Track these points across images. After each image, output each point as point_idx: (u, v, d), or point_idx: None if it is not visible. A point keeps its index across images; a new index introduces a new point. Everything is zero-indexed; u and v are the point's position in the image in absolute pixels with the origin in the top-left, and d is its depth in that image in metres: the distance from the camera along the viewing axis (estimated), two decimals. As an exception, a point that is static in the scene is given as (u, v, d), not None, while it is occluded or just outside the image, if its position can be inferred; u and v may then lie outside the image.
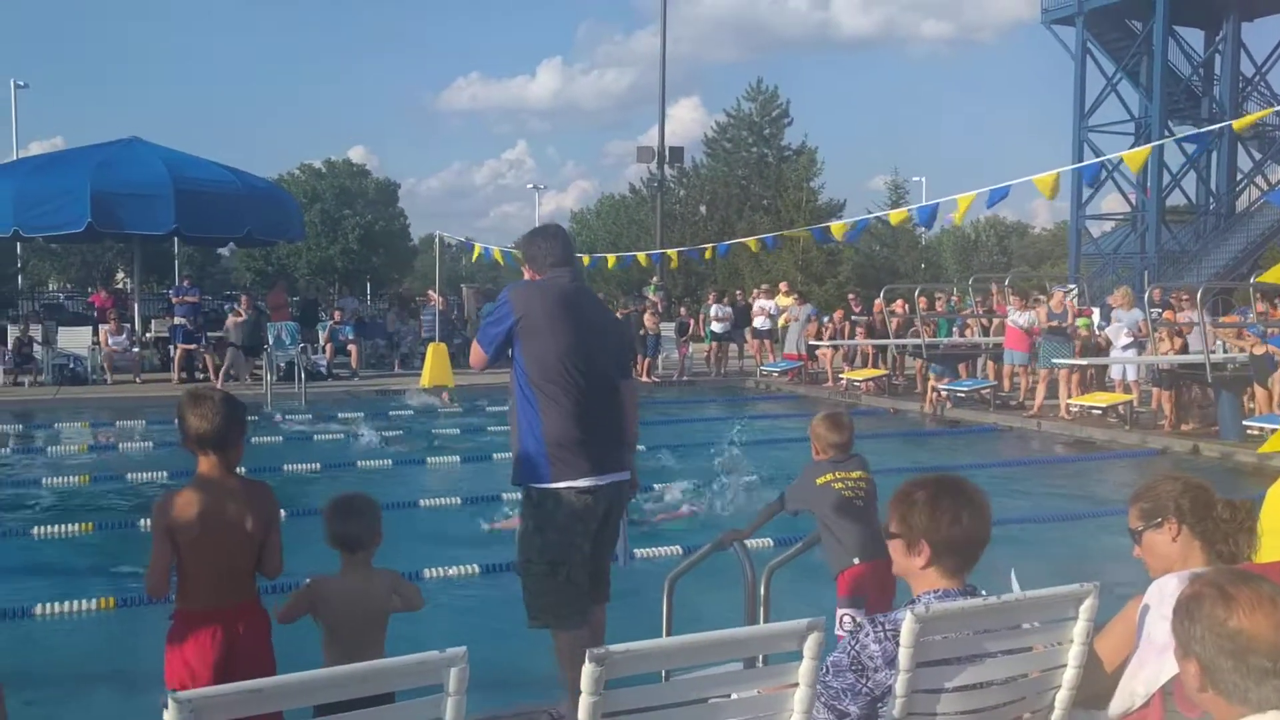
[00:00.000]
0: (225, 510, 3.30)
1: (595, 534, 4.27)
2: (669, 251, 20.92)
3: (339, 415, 15.06)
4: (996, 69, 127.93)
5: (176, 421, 3.37)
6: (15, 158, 41.78)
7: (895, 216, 16.55)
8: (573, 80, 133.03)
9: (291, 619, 3.52)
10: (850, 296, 18.87)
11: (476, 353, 4.38)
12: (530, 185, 70.87)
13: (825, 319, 19.93)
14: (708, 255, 20.26)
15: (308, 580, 3.68)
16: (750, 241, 17.43)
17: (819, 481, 4.56)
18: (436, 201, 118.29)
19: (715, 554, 4.94)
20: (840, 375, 17.80)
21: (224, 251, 49.47)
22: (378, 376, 20.48)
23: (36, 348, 19.04)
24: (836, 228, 15.96)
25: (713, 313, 21.11)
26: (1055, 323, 14.78)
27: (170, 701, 1.79)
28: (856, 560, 4.43)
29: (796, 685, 2.31)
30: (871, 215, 15.17)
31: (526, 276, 4.49)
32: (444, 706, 2.08)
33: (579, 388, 4.17)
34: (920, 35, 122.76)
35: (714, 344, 21.24)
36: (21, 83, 44.50)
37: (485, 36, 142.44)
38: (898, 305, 18.67)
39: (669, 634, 5.22)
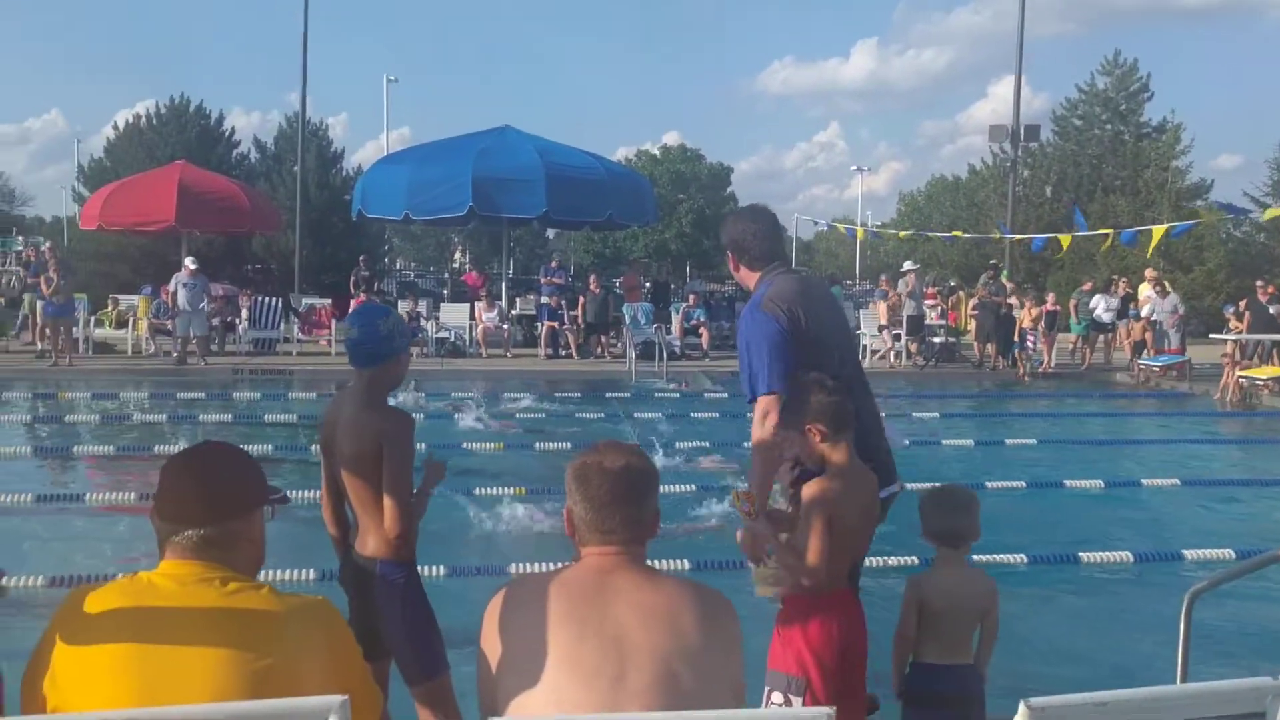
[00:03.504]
0: (866, 496, 3.28)
1: None
2: (1060, 237, 19.66)
3: (704, 394, 15.44)
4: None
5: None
6: (385, 147, 46.06)
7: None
8: (887, 61, 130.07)
9: (910, 625, 3.37)
10: (1259, 284, 17.03)
11: (768, 407, 3.49)
12: (854, 167, 69.87)
13: (1229, 309, 18.16)
14: (1107, 246, 19.04)
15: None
16: (1158, 230, 16.02)
17: None
18: (745, 185, 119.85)
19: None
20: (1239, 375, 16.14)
21: (550, 234, 52.00)
22: (725, 357, 20.74)
23: (423, 322, 20.80)
24: (1270, 213, 14.35)
25: (1095, 303, 19.82)
26: None
27: (1022, 707, 1.72)
28: None
29: None
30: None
31: (734, 268, 3.97)
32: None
33: (852, 395, 3.76)
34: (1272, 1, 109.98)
35: (1088, 335, 20.00)
36: (393, 77, 48.85)
37: (800, 20, 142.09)
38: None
39: (1185, 654, 4.82)
